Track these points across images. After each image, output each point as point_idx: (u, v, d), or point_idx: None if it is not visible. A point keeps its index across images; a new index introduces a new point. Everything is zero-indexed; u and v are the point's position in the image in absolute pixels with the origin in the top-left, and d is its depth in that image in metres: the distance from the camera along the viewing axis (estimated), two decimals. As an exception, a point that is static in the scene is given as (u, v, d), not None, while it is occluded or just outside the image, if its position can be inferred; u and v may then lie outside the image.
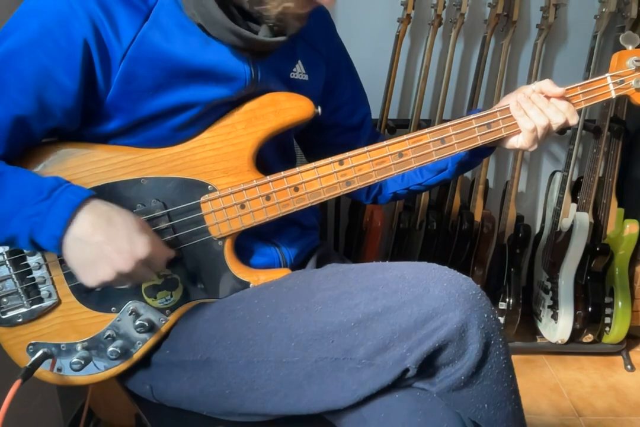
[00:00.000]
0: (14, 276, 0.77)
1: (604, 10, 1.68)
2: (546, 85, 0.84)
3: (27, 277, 0.77)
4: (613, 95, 0.87)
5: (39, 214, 0.67)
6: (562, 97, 0.84)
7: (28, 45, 0.70)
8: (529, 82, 1.77)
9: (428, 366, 0.70)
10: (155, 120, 0.76)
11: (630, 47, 0.88)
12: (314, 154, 0.95)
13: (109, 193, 0.76)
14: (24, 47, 0.70)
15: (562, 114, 0.83)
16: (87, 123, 0.76)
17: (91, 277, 0.69)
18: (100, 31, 0.70)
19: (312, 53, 0.91)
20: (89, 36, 0.70)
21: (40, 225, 0.67)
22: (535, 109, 0.83)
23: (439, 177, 0.97)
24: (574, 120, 0.84)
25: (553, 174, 1.89)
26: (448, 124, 0.83)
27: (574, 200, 1.83)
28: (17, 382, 0.73)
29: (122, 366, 0.80)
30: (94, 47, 0.70)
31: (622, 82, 0.87)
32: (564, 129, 1.76)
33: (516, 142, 0.86)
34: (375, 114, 1.82)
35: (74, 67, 0.70)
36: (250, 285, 0.83)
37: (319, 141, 1.01)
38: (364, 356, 0.69)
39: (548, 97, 0.84)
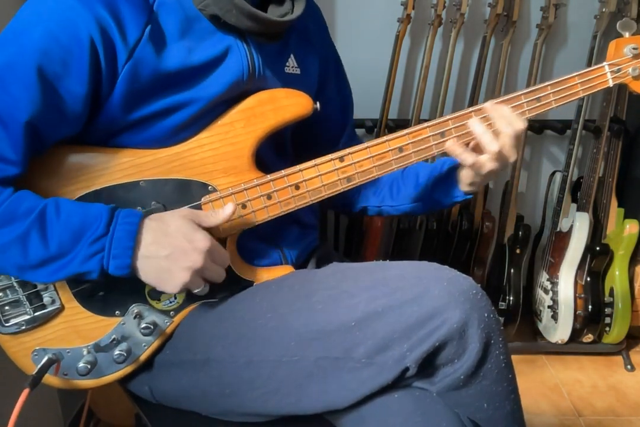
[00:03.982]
0: (15, 284, 0.76)
1: (604, 10, 1.68)
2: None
3: (29, 284, 0.76)
4: (610, 83, 0.85)
5: (103, 249, 0.69)
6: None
7: (34, 53, 0.67)
8: (528, 82, 1.77)
9: (428, 366, 0.70)
10: (154, 120, 0.75)
11: (627, 34, 0.87)
12: (304, 151, 0.92)
13: (107, 197, 0.75)
14: (30, 55, 0.67)
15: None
16: (85, 125, 0.74)
17: (171, 285, 0.71)
18: (108, 31, 0.68)
19: (305, 46, 0.90)
20: (95, 36, 0.67)
21: (107, 259, 0.69)
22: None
23: (411, 206, 0.98)
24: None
25: (553, 174, 1.89)
26: (448, 116, 0.82)
27: (574, 200, 1.83)
28: (25, 392, 0.71)
29: (128, 369, 0.80)
30: (101, 48, 0.68)
31: (619, 70, 0.85)
32: (563, 128, 1.79)
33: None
34: (375, 114, 1.82)
35: (83, 70, 0.69)
36: (254, 284, 0.82)
37: (308, 137, 0.99)
38: (365, 355, 0.69)
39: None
